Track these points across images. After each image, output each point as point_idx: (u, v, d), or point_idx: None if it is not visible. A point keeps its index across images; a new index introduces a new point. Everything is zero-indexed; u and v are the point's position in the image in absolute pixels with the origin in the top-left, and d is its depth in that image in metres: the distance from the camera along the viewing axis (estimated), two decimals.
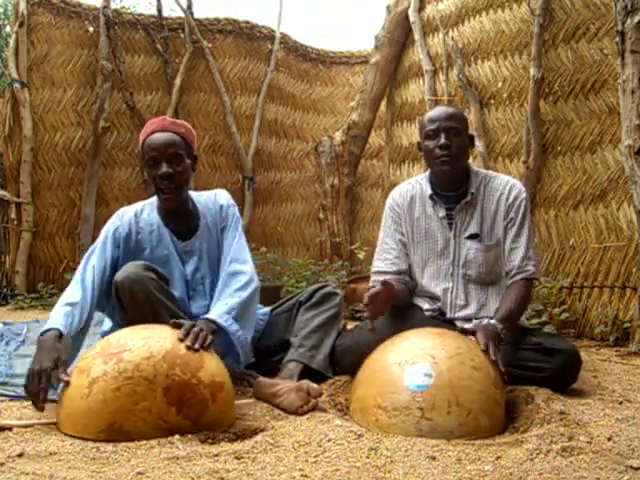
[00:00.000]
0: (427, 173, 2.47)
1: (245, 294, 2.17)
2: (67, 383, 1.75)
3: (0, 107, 4.89)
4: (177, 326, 1.88)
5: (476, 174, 2.41)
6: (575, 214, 3.61)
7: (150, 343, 1.74)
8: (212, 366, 1.80)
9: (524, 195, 2.37)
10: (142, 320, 2.00)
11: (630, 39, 2.78)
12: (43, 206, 4.99)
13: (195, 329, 1.86)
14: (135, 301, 2.02)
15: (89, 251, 2.25)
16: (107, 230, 2.27)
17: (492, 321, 2.05)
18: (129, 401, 1.65)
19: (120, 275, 2.05)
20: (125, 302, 2.05)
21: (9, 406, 1.96)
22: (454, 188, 2.39)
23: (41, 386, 1.77)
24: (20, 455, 1.49)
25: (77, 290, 2.09)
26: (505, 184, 2.38)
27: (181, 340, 1.81)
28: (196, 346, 1.80)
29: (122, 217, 2.30)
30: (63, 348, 1.88)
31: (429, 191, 2.41)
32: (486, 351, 1.90)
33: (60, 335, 1.91)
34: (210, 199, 2.37)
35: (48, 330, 1.92)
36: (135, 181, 5.34)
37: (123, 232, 2.27)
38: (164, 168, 2.15)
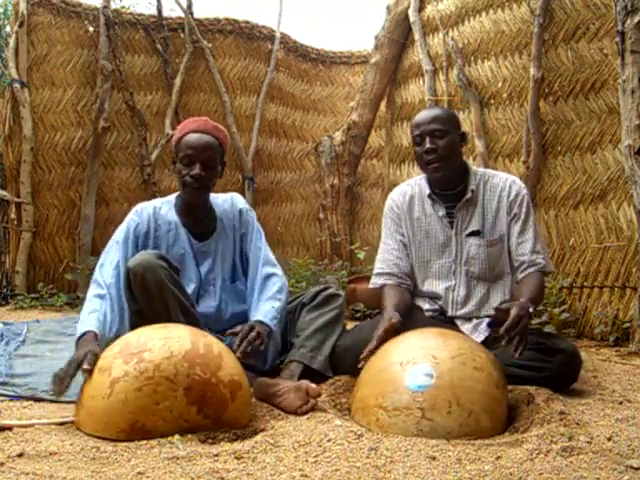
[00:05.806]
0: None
1: (284, 297, 2.28)
2: (89, 372, 1.76)
3: (0, 107, 4.88)
4: (235, 334, 2.04)
5: (475, 172, 2.42)
6: (575, 214, 3.61)
7: (170, 343, 1.75)
8: (230, 365, 1.81)
9: (525, 191, 2.39)
10: (151, 309, 2.03)
11: (630, 39, 2.79)
12: (43, 206, 4.98)
13: (252, 334, 2.03)
14: (146, 288, 2.03)
15: (108, 247, 2.25)
16: (127, 227, 2.28)
17: (523, 299, 2.03)
18: (150, 401, 1.66)
19: (133, 262, 2.06)
20: (136, 289, 2.06)
21: (9, 406, 1.96)
22: (452, 187, 2.39)
23: (68, 372, 1.79)
24: (20, 455, 1.49)
25: (103, 293, 2.10)
26: (505, 181, 2.39)
27: (238, 346, 1.99)
28: (248, 349, 1.98)
29: (141, 214, 2.31)
30: (99, 346, 1.90)
31: (428, 191, 2.42)
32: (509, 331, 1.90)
33: (95, 336, 1.94)
34: (227, 202, 2.41)
35: (83, 334, 1.94)
36: (135, 181, 5.33)
37: (142, 229, 2.28)
38: (197, 169, 2.19)
